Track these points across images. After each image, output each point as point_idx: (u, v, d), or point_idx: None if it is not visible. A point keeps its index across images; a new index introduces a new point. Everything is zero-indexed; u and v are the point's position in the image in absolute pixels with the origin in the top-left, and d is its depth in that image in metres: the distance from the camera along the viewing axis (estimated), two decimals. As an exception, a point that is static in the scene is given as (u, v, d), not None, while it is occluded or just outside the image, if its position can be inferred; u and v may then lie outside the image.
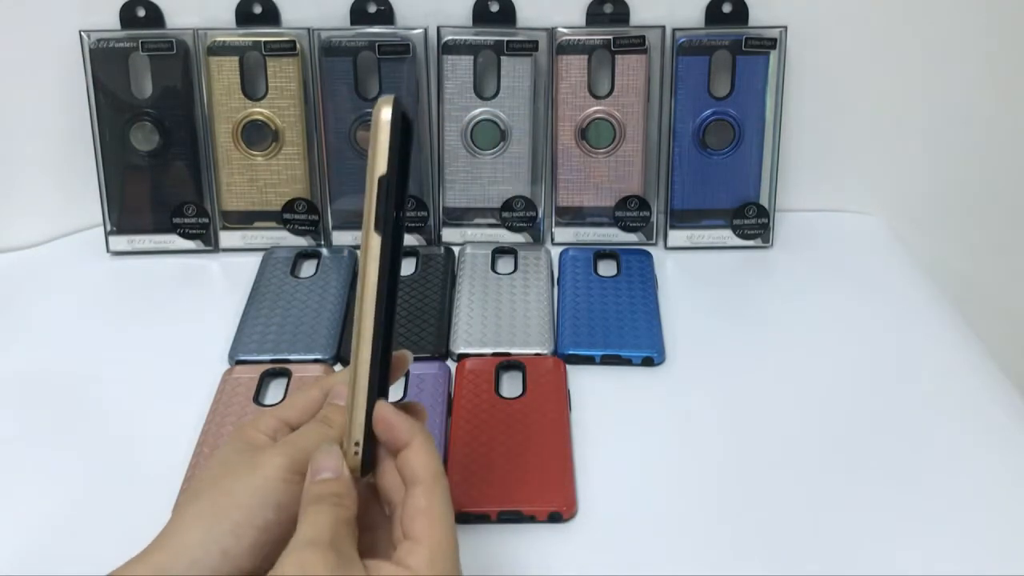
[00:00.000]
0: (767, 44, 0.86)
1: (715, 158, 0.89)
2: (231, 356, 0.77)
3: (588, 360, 0.76)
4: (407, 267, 0.88)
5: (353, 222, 0.91)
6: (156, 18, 0.87)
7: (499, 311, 0.80)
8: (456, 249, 0.90)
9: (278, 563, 0.42)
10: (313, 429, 0.50)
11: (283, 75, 0.87)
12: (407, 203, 0.47)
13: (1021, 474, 0.66)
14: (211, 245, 0.91)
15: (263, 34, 0.86)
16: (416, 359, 0.76)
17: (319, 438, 0.49)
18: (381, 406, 0.48)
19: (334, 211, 0.90)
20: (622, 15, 0.87)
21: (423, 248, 0.90)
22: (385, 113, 0.45)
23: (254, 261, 0.88)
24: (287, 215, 0.90)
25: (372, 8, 0.87)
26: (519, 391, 0.72)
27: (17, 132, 0.89)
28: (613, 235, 0.91)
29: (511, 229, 0.91)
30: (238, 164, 0.89)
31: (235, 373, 0.74)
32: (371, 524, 0.48)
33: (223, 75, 0.86)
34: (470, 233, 0.91)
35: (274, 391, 0.73)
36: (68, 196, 0.92)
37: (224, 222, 0.90)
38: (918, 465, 0.66)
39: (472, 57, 0.86)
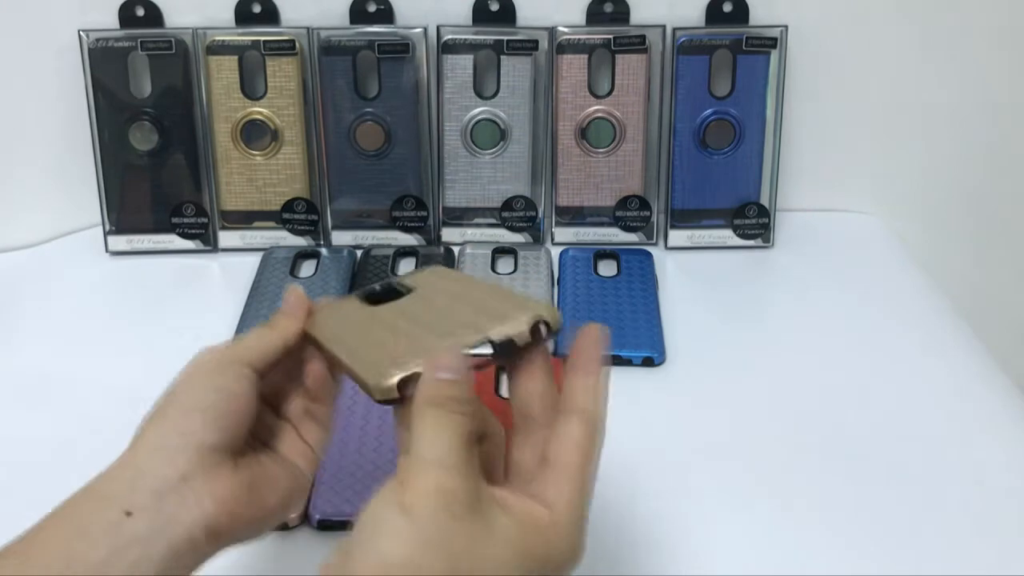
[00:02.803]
0: (767, 44, 0.86)
1: (715, 158, 0.89)
2: (230, 356, 0.76)
3: (588, 360, 0.76)
4: (407, 267, 0.88)
5: (353, 222, 0.90)
6: (155, 17, 0.86)
7: (499, 311, 0.80)
8: (456, 249, 0.90)
9: (400, 481, 0.39)
10: (254, 330, 0.51)
11: (282, 74, 0.86)
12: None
13: (1019, 470, 0.66)
14: (210, 245, 0.91)
15: (262, 33, 0.86)
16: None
17: (257, 338, 0.50)
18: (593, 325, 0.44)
19: (333, 211, 0.90)
20: (622, 14, 0.87)
21: (423, 248, 0.90)
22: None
23: (253, 261, 0.88)
24: (286, 215, 0.90)
25: (372, 7, 0.86)
26: (519, 391, 0.72)
27: (17, 132, 0.89)
28: (613, 235, 0.91)
29: (511, 229, 0.90)
30: (237, 164, 0.88)
31: (235, 373, 0.74)
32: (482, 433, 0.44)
33: (222, 74, 0.86)
34: (470, 233, 0.91)
35: (274, 391, 0.73)
36: (68, 196, 0.92)
37: (223, 222, 0.90)
38: (918, 464, 0.66)
39: (472, 56, 0.86)
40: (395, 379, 0.42)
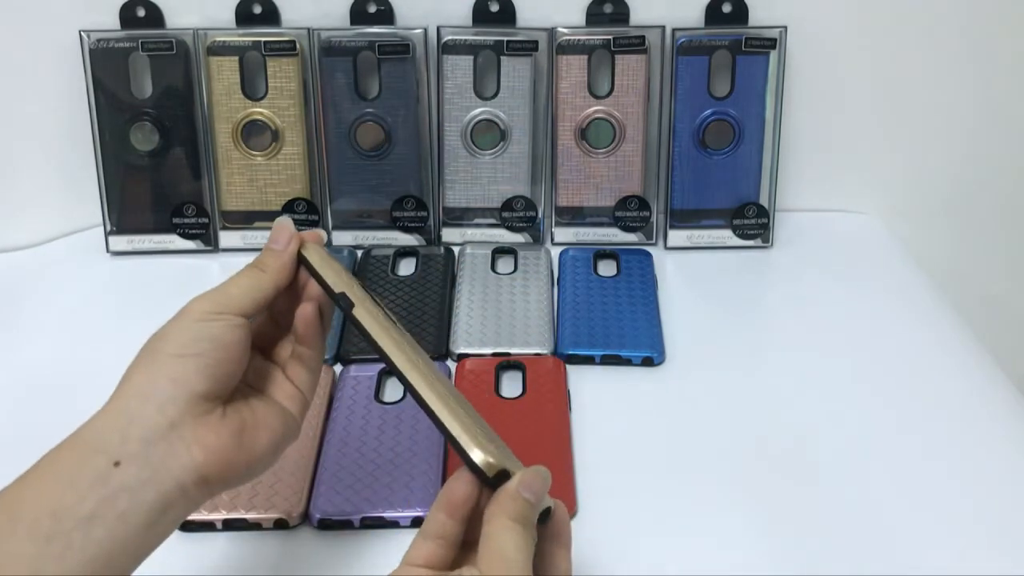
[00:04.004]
0: (767, 44, 0.86)
1: (715, 158, 0.89)
2: (231, 356, 0.76)
3: (588, 360, 0.76)
4: (407, 267, 0.88)
5: (353, 222, 0.91)
6: (156, 18, 0.87)
7: (499, 311, 0.80)
8: (456, 249, 0.90)
9: (483, 573, 0.43)
10: (244, 273, 0.50)
11: (283, 75, 0.87)
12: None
13: (1020, 471, 0.66)
14: (211, 245, 0.91)
15: (263, 34, 0.86)
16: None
17: (248, 282, 0.49)
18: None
19: (334, 211, 0.90)
20: (622, 15, 0.87)
21: (423, 248, 0.90)
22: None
23: (254, 261, 0.88)
24: (287, 215, 0.90)
25: (372, 8, 0.87)
26: (519, 391, 0.72)
27: (17, 132, 0.89)
28: (613, 235, 0.91)
29: (511, 229, 0.91)
30: (238, 164, 0.89)
31: (235, 373, 0.74)
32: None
33: (223, 75, 0.86)
34: (470, 233, 0.91)
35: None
36: (68, 196, 0.92)
37: (224, 222, 0.90)
38: (918, 463, 0.66)
39: (472, 57, 0.86)
40: (501, 467, 0.46)
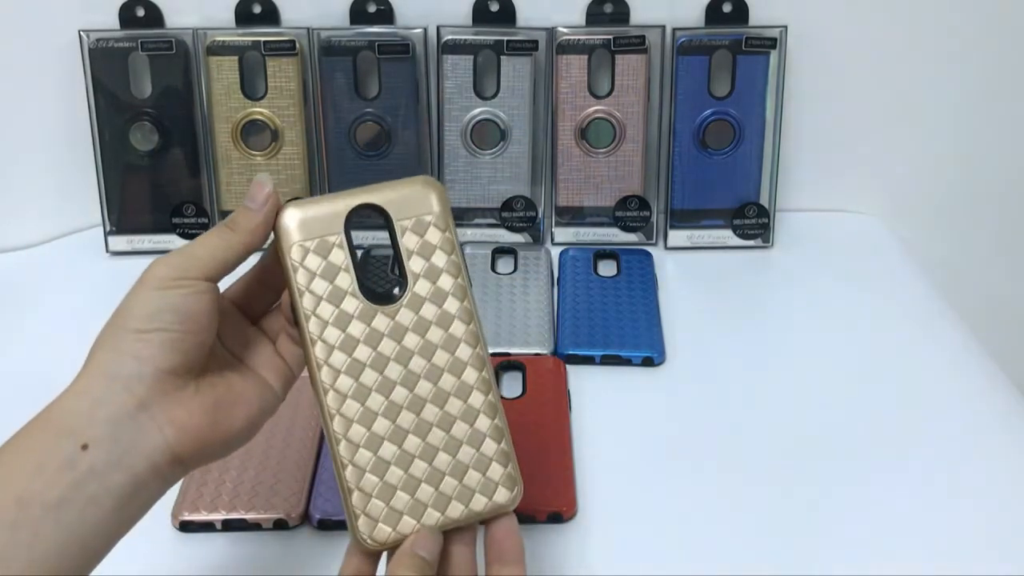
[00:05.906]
0: (767, 44, 0.86)
1: (715, 158, 0.89)
2: (231, 356, 0.76)
3: (588, 360, 0.76)
4: (407, 267, 0.88)
5: (353, 222, 0.90)
6: (155, 18, 0.87)
7: (499, 311, 0.80)
8: (456, 249, 0.90)
9: None
10: (213, 232, 0.47)
11: (283, 75, 0.87)
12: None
13: (1020, 471, 0.66)
14: (211, 245, 0.91)
15: (262, 34, 0.86)
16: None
17: (217, 242, 0.46)
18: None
19: (334, 211, 0.90)
20: (622, 15, 0.87)
21: (423, 248, 0.90)
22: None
23: (253, 261, 0.88)
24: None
25: (372, 8, 0.87)
26: (519, 391, 0.72)
27: (17, 132, 0.89)
28: (613, 235, 0.91)
29: (511, 229, 0.91)
30: (238, 164, 0.89)
31: (235, 373, 0.74)
32: None
33: (223, 75, 0.86)
34: (470, 233, 0.91)
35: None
36: (68, 196, 0.92)
37: (224, 222, 0.90)
38: (918, 463, 0.66)
39: (472, 57, 0.86)
40: (383, 544, 0.45)
